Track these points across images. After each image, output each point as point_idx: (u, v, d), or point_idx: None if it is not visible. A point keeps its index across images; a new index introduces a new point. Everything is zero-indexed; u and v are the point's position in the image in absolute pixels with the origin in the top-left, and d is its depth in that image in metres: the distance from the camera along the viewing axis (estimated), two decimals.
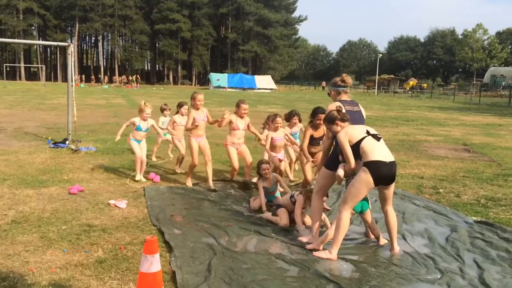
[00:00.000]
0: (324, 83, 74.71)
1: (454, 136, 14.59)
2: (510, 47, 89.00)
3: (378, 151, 4.05)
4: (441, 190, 7.12)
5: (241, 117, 7.03)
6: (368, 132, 4.18)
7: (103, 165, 8.27)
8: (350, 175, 4.30)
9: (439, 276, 3.89)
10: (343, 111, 4.37)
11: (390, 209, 4.39)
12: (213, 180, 6.92)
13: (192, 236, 4.67)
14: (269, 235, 4.80)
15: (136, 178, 7.15)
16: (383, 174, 4.02)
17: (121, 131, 7.35)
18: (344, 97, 4.73)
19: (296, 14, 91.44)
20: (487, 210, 6.08)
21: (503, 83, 55.57)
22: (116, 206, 5.65)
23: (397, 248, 4.42)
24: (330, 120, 4.34)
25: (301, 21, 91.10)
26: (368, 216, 4.65)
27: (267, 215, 5.43)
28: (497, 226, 5.25)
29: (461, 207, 6.19)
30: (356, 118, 4.51)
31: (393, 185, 4.27)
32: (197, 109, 6.77)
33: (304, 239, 4.62)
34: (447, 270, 4.01)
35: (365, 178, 4.00)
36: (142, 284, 2.61)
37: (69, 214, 5.33)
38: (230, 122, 6.96)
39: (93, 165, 8.24)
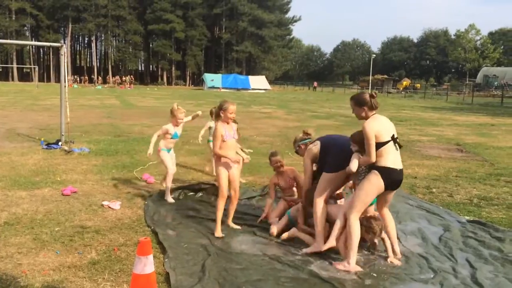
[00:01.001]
0: (315, 83, 74.92)
1: (447, 136, 14.66)
2: (502, 47, 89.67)
3: (394, 158, 4.00)
4: (434, 190, 7.15)
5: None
6: (393, 137, 4.05)
7: (96, 166, 8.24)
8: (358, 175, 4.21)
9: (432, 276, 3.92)
10: (376, 98, 4.15)
11: (387, 212, 4.38)
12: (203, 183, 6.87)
13: (186, 237, 4.66)
14: (264, 236, 4.80)
15: (169, 200, 6.02)
16: (394, 181, 4.03)
17: (153, 142, 6.20)
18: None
19: (290, 14, 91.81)
20: (479, 210, 6.11)
21: (496, 83, 56.00)
22: (110, 207, 5.64)
23: (398, 251, 4.32)
24: (359, 102, 4.12)
25: (295, 21, 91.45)
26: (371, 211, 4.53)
27: (295, 232, 4.70)
28: (489, 225, 5.29)
29: (454, 207, 6.22)
30: (333, 137, 4.78)
31: (394, 191, 4.28)
32: (227, 123, 4.94)
33: (308, 251, 4.38)
34: (440, 270, 4.04)
35: (377, 182, 3.96)
36: (136, 285, 2.60)
37: (62, 215, 5.30)
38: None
39: (86, 166, 8.21)
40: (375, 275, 3.90)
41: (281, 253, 4.34)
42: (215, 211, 4.94)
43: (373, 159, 3.95)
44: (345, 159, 4.18)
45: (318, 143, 4.65)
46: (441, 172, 8.54)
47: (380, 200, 4.31)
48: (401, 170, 4.07)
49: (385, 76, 74.00)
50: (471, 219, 5.61)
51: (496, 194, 6.98)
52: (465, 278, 3.88)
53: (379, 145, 3.96)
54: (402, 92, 59.78)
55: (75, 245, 4.38)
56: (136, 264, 2.63)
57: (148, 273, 2.61)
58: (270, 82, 72.66)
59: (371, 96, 4.12)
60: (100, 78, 73.22)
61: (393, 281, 3.79)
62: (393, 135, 4.05)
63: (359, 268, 3.98)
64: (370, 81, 62.47)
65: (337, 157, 4.38)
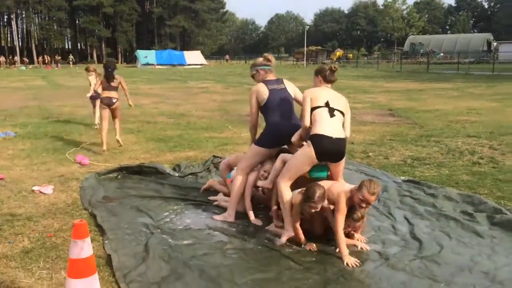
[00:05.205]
0: (227, 56, 74.78)
1: (379, 102, 15.20)
2: (427, 16, 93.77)
3: (325, 125, 3.82)
4: (370, 154, 7.40)
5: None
6: (327, 104, 3.95)
7: (24, 150, 7.71)
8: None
9: (373, 234, 4.05)
10: (336, 73, 4.13)
11: None
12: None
13: (127, 217, 4.48)
14: (209, 210, 4.73)
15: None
16: (326, 150, 3.79)
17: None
18: (270, 76, 4.62)
19: None
20: (413, 170, 6.40)
21: (421, 50, 58.58)
22: (41, 193, 5.29)
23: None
24: (317, 71, 4.17)
25: None
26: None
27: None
28: (423, 183, 5.55)
29: (390, 168, 6.47)
30: (281, 97, 4.42)
31: (341, 164, 4.02)
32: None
33: (284, 239, 3.92)
34: (381, 228, 4.18)
35: (307, 151, 3.83)
36: (74, 271, 2.44)
37: None
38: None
39: (13, 151, 7.65)
40: (316, 237, 3.94)
41: (226, 226, 4.29)
42: (157, 188, 4.81)
43: (306, 122, 3.94)
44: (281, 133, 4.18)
45: (267, 93, 4.40)
46: (376, 137, 8.84)
47: (331, 175, 4.14)
48: (338, 140, 3.82)
49: (319, 47, 75.06)
50: (406, 179, 5.86)
51: (427, 154, 7.33)
52: (405, 234, 4.05)
53: (312, 109, 3.95)
54: (336, 62, 61.11)
55: (4, 235, 4.07)
56: (72, 249, 2.46)
57: (86, 256, 2.45)
58: (206, 57, 71.36)
59: (330, 68, 4.15)
60: (24, 58, 68.39)
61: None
62: (327, 102, 3.95)
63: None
64: (305, 53, 63.20)
65: (271, 127, 4.38)
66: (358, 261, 3.49)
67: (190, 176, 6.10)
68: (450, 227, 4.20)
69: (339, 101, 4.08)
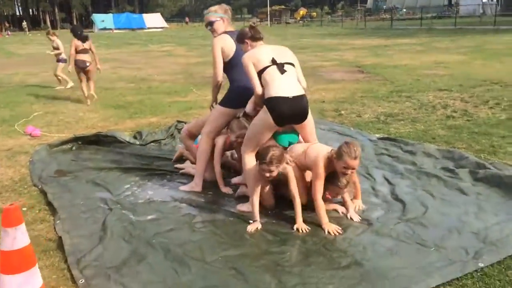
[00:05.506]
0: (187, 19, 72.95)
1: (347, 59, 14.89)
2: None
3: (278, 85, 3.37)
4: (343, 112, 7.11)
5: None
6: (273, 61, 3.50)
7: None
8: None
9: (352, 197, 3.75)
10: (256, 28, 3.73)
11: None
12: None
13: (82, 192, 4.03)
14: (174, 180, 4.33)
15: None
16: (285, 112, 3.32)
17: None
18: (230, 28, 4.13)
19: None
20: (387, 126, 6.16)
21: (384, 6, 58.30)
22: None
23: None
24: (240, 38, 3.74)
25: None
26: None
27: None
28: (399, 140, 5.29)
29: (364, 126, 6.20)
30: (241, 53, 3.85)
31: (307, 124, 3.54)
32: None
33: (243, 208, 3.62)
34: (361, 190, 3.89)
35: (263, 117, 3.38)
36: (6, 265, 2.01)
37: None
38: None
39: None
40: (288, 201, 3.61)
41: (194, 196, 3.91)
42: (117, 158, 4.34)
43: (258, 89, 3.48)
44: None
45: (234, 47, 3.92)
46: (347, 94, 8.55)
47: (302, 138, 3.75)
48: (296, 98, 3.35)
49: (282, 7, 73.64)
50: (381, 136, 5.61)
51: (400, 110, 7.11)
52: (386, 196, 3.78)
53: (260, 73, 3.48)
54: (300, 21, 60.19)
55: None
56: (3, 239, 2.02)
57: (20, 247, 2.02)
58: (167, 20, 68.79)
59: (250, 27, 3.72)
60: None
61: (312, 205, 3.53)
62: (273, 59, 3.49)
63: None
64: (268, 13, 61.81)
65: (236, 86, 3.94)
66: (340, 228, 3.20)
67: (152, 144, 5.64)
68: (432, 185, 3.96)
69: (284, 53, 3.62)
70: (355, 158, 3.20)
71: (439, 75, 10.42)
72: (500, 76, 9.81)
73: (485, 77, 9.77)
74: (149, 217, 3.50)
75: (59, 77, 10.46)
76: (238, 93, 3.96)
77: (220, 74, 3.99)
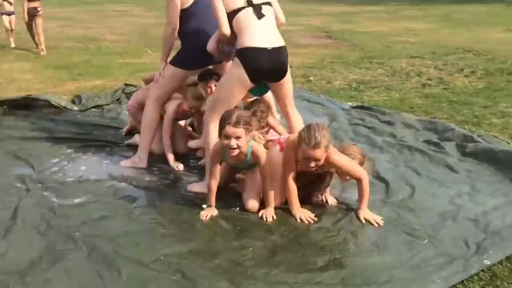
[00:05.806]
0: None
1: (314, 25, 14.23)
2: None
3: (254, 33, 2.76)
4: (311, 78, 6.51)
5: None
6: (249, 2, 2.80)
7: None
8: None
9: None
10: None
11: (293, 112, 3.17)
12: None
13: None
14: (115, 153, 3.61)
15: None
16: (262, 67, 2.75)
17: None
18: None
19: None
20: (360, 94, 5.63)
21: None
22: None
23: None
24: None
25: None
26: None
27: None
28: (375, 109, 4.76)
29: (335, 94, 5.64)
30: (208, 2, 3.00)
31: (286, 82, 2.97)
32: None
33: (196, 188, 2.99)
34: None
35: (237, 72, 2.78)
36: None
37: None
38: None
39: None
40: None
41: (136, 173, 3.22)
42: (47, 126, 3.69)
43: (224, 29, 2.78)
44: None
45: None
46: (315, 60, 7.95)
47: (276, 100, 3.16)
48: (275, 50, 2.79)
49: None
50: (355, 105, 5.07)
51: (372, 77, 6.59)
52: None
53: (231, 15, 2.79)
54: None
55: None
56: None
57: None
58: None
59: None
60: None
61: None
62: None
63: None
64: None
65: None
66: (313, 215, 2.61)
67: (93, 110, 4.82)
68: (416, 160, 3.44)
69: None
70: (315, 147, 2.45)
71: (410, 42, 9.95)
72: (471, 44, 9.44)
73: (457, 45, 9.37)
74: (77, 200, 2.79)
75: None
76: (195, 50, 3.21)
77: (177, 19, 3.16)
